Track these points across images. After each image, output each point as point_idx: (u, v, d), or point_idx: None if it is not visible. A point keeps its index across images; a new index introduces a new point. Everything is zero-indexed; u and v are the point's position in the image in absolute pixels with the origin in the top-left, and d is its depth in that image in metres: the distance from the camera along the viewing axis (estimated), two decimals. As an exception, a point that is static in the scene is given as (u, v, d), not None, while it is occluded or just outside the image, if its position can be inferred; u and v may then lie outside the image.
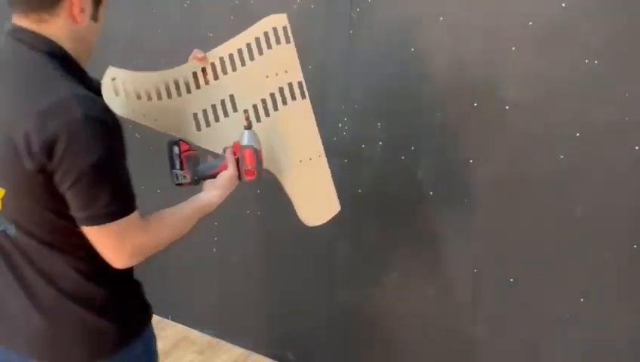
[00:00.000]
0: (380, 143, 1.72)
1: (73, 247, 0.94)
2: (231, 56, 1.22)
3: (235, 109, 1.20)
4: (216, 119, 1.20)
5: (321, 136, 1.80)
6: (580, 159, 1.44)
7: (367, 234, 1.82)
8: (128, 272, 1.07)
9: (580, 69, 1.40)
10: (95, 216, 0.88)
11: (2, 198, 0.91)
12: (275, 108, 1.20)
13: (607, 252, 1.46)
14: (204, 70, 1.22)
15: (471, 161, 1.59)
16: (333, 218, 1.89)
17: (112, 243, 0.93)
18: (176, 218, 1.10)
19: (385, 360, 1.91)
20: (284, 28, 1.21)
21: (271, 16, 1.21)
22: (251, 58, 1.20)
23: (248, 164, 1.15)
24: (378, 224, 1.79)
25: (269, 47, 1.20)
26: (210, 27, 1.97)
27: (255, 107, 1.20)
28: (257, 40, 1.20)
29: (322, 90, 1.78)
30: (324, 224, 1.46)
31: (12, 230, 0.94)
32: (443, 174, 1.64)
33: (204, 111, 1.20)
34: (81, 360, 1.00)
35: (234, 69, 1.21)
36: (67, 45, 0.93)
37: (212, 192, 1.14)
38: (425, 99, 1.61)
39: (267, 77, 1.20)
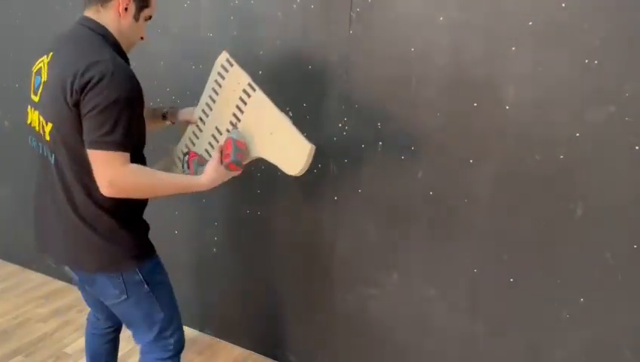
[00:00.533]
0: (380, 143, 1.72)
1: (92, 179, 1.20)
2: (207, 104, 1.61)
3: (220, 132, 1.55)
4: (213, 146, 1.57)
5: (321, 136, 1.81)
6: (580, 159, 1.44)
7: (367, 234, 1.82)
8: (138, 212, 1.38)
9: (580, 68, 1.40)
10: (93, 140, 1.16)
11: (49, 131, 1.21)
12: (242, 111, 1.50)
13: (607, 252, 1.46)
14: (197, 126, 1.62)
15: (471, 161, 1.59)
16: (333, 218, 1.90)
17: (98, 169, 1.18)
18: (159, 178, 1.31)
19: (385, 360, 1.91)
20: (227, 60, 1.56)
21: (217, 59, 1.59)
22: (217, 94, 1.58)
23: (226, 148, 1.40)
24: (378, 224, 1.79)
25: (223, 78, 1.57)
26: (210, 27, 1.97)
27: (231, 119, 1.53)
28: (216, 81, 1.59)
29: (322, 90, 1.79)
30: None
31: (52, 159, 1.24)
32: (443, 174, 1.64)
33: (206, 150, 1.60)
34: (90, 270, 1.32)
35: (210, 109, 1.60)
36: (115, 33, 1.29)
37: (200, 177, 1.38)
38: (425, 99, 1.61)
39: (229, 97, 1.54)
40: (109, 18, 1.28)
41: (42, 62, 1.27)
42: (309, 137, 1.84)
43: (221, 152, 1.41)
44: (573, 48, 1.40)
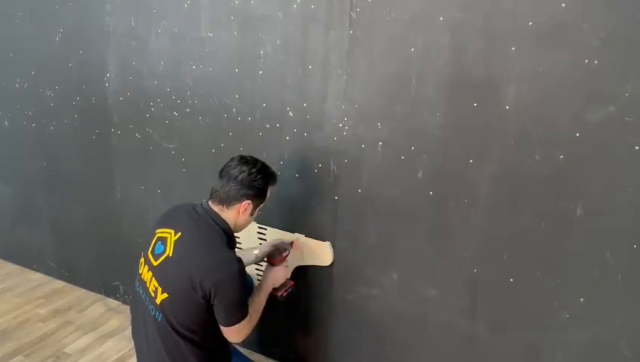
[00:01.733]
0: (380, 143, 1.72)
1: (200, 341, 1.50)
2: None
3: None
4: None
5: (321, 136, 1.81)
6: (580, 159, 1.44)
7: (367, 234, 1.82)
8: (229, 356, 1.68)
9: (580, 69, 1.40)
10: (227, 322, 1.51)
11: (163, 300, 1.46)
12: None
13: (607, 252, 1.46)
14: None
15: (471, 161, 1.59)
16: (333, 218, 1.90)
17: (236, 334, 1.54)
18: (255, 309, 1.64)
19: (385, 359, 1.91)
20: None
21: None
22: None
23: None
24: (378, 224, 1.79)
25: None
26: (210, 27, 1.97)
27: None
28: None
29: (322, 90, 1.79)
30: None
31: (160, 317, 1.47)
32: (443, 174, 1.64)
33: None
34: None
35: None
36: (232, 226, 1.58)
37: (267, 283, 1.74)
38: (425, 99, 1.61)
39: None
40: (231, 216, 1.57)
41: (169, 235, 1.50)
42: (310, 137, 1.85)
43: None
44: (573, 48, 1.40)
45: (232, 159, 1.61)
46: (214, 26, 1.96)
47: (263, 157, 1.96)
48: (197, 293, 1.43)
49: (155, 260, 1.50)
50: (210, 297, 1.45)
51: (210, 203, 1.58)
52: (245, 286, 1.53)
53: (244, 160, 1.59)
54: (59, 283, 2.79)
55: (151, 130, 2.24)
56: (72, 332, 2.33)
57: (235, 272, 1.45)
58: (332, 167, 1.84)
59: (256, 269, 2.08)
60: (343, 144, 1.79)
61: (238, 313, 1.51)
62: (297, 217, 1.95)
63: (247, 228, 1.94)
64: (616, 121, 1.38)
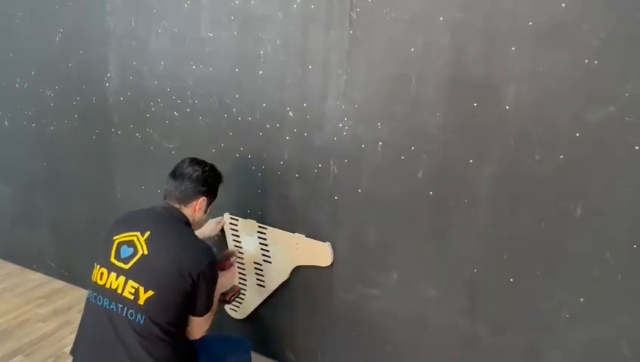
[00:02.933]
0: (380, 143, 1.72)
1: (180, 336, 1.54)
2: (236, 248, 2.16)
3: (260, 264, 2.10)
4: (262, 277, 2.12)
5: (321, 136, 1.81)
6: (580, 159, 1.44)
7: (367, 234, 1.82)
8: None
9: (580, 69, 1.40)
10: (207, 308, 1.57)
11: (147, 298, 1.46)
12: (267, 245, 2.04)
13: (607, 252, 1.46)
14: None
15: (471, 161, 1.59)
16: (333, 218, 1.90)
17: (204, 325, 1.61)
18: (215, 307, 1.66)
19: (385, 360, 1.91)
20: (231, 219, 2.10)
21: (224, 219, 2.11)
22: (240, 242, 2.12)
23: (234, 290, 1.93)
24: (378, 224, 1.79)
25: (237, 230, 2.13)
26: (210, 27, 1.97)
27: (264, 254, 2.06)
28: (233, 235, 2.15)
29: (322, 90, 1.79)
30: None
31: (142, 320, 1.46)
32: (443, 174, 1.64)
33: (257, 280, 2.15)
34: None
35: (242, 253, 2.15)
36: (191, 221, 1.65)
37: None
38: (425, 99, 1.61)
39: (251, 240, 2.08)
40: (188, 213, 1.64)
41: (134, 237, 1.53)
42: (310, 137, 1.85)
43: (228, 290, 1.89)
44: (573, 48, 1.40)
45: (183, 161, 1.70)
46: (214, 26, 1.96)
47: (262, 157, 1.97)
48: (186, 282, 1.48)
49: (126, 263, 1.50)
50: (197, 285, 1.50)
51: (167, 200, 1.65)
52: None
53: (195, 160, 1.70)
54: (59, 283, 2.79)
55: (151, 130, 2.24)
56: (72, 332, 2.33)
57: (214, 259, 1.56)
58: (332, 167, 1.84)
59: (256, 269, 2.08)
60: (343, 144, 1.79)
61: (211, 301, 1.60)
62: (297, 217, 1.95)
63: (247, 229, 1.97)
64: (616, 121, 1.38)
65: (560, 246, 1.52)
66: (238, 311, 2.18)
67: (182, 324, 1.54)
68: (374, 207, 1.78)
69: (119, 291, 1.49)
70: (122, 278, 1.49)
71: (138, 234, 1.54)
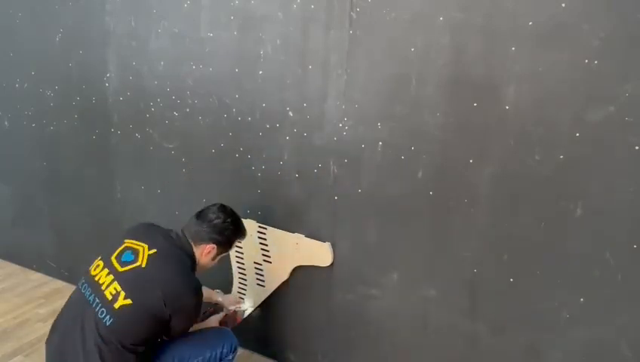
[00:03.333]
0: (380, 143, 1.72)
1: (142, 351, 1.54)
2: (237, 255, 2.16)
3: (260, 264, 2.11)
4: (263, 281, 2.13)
5: (321, 136, 1.81)
6: (580, 159, 1.44)
7: (367, 234, 1.82)
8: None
9: (580, 69, 1.40)
10: (174, 336, 1.63)
11: (123, 305, 1.48)
12: (267, 245, 2.04)
13: (607, 252, 1.46)
14: None
15: (471, 161, 1.59)
16: (333, 218, 1.90)
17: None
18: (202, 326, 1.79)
19: (385, 360, 1.91)
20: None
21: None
22: (241, 246, 2.10)
23: (235, 320, 2.04)
24: (378, 224, 1.79)
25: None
26: (210, 27, 1.97)
27: (264, 253, 2.06)
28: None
29: (322, 90, 1.79)
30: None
31: (109, 322, 1.48)
32: (443, 174, 1.64)
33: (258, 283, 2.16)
34: None
35: (242, 254, 2.16)
36: (197, 261, 1.69)
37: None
38: (425, 99, 1.61)
39: (251, 242, 2.07)
40: (198, 252, 1.67)
41: (141, 248, 1.57)
42: (310, 137, 1.85)
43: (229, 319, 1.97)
44: (573, 48, 1.40)
45: (214, 205, 1.74)
46: (214, 26, 1.96)
47: (262, 157, 1.97)
48: (166, 308, 1.51)
49: (121, 266, 1.55)
50: (174, 315, 1.54)
51: (185, 231, 1.70)
52: (197, 313, 1.68)
53: (224, 209, 1.73)
54: (59, 283, 2.79)
55: (151, 130, 2.24)
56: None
57: (199, 301, 1.62)
58: (332, 167, 1.84)
59: (256, 269, 2.08)
60: (343, 144, 1.79)
61: (186, 331, 1.67)
62: (297, 217, 1.95)
63: (247, 229, 1.97)
64: (616, 121, 1.38)
65: (560, 246, 1.52)
66: (238, 311, 2.18)
67: (145, 343, 1.55)
68: (374, 207, 1.78)
69: (103, 287, 1.53)
70: (111, 277, 1.54)
71: (146, 246, 1.58)
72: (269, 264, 2.03)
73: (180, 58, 2.08)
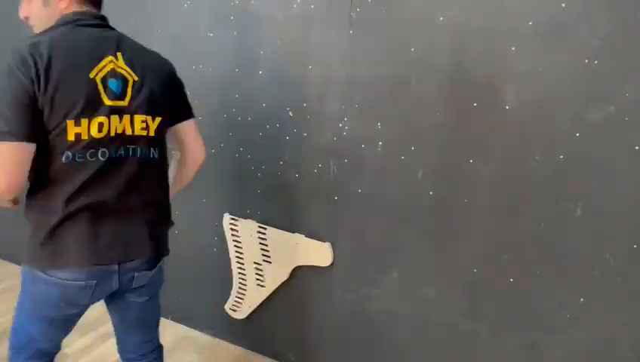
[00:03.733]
0: (380, 143, 1.72)
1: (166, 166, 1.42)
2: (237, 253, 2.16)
3: (260, 264, 2.10)
4: (262, 276, 2.12)
5: (321, 136, 1.81)
6: (580, 159, 1.44)
7: (367, 234, 1.82)
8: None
9: (580, 69, 1.40)
10: (190, 111, 1.49)
11: (157, 126, 1.29)
12: (267, 245, 2.04)
13: (607, 252, 1.46)
14: None
15: (471, 161, 1.59)
16: (333, 218, 1.90)
17: (200, 134, 1.57)
18: None
19: (385, 360, 1.91)
20: (231, 219, 2.10)
21: (224, 221, 2.11)
22: (240, 243, 2.13)
23: None
24: (378, 224, 1.79)
25: (237, 231, 2.14)
26: (210, 27, 1.97)
27: (264, 253, 2.07)
28: (232, 235, 2.14)
29: (322, 90, 1.79)
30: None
31: (156, 153, 1.30)
32: (443, 174, 1.64)
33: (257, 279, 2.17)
34: (167, 252, 1.47)
35: (242, 254, 2.15)
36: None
37: None
38: (425, 99, 1.61)
39: (251, 241, 2.08)
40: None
41: (112, 65, 1.21)
42: (310, 137, 1.85)
43: None
44: (573, 48, 1.40)
45: None
46: (214, 26, 1.96)
47: (262, 157, 1.97)
48: (180, 83, 1.40)
49: (122, 99, 1.21)
50: (179, 86, 1.41)
51: (88, 9, 1.37)
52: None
53: None
54: (59, 283, 2.79)
55: (151, 130, 2.24)
56: (71, 332, 2.33)
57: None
58: (332, 167, 1.84)
59: (256, 269, 2.08)
60: (343, 144, 1.79)
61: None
62: (297, 217, 1.95)
63: (247, 229, 1.95)
64: (616, 121, 1.38)
65: (560, 247, 1.52)
66: (238, 311, 2.18)
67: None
68: (374, 207, 1.78)
69: (129, 131, 1.22)
70: (127, 117, 1.21)
71: (111, 58, 1.23)
72: (269, 264, 2.03)
73: (180, 58, 2.08)
